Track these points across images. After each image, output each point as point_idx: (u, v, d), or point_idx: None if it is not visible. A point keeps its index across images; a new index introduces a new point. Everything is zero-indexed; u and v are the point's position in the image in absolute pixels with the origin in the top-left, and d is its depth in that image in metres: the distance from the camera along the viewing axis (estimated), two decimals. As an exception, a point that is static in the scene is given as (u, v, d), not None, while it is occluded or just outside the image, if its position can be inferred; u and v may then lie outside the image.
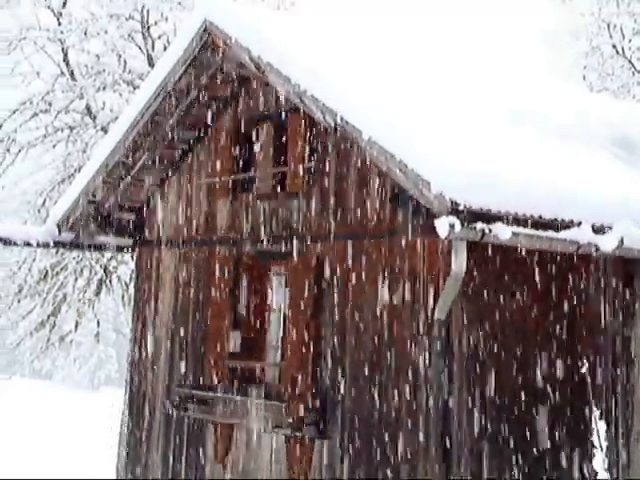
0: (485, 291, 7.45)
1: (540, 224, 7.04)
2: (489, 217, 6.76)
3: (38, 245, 11.04)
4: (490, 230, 6.65)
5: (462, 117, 8.46)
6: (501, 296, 7.54)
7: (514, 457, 7.51)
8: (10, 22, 16.95)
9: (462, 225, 6.55)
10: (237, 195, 9.78)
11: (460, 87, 9.67)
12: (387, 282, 7.88)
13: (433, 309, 7.34)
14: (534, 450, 7.60)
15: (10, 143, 17.10)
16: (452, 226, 6.50)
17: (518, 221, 6.90)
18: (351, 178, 8.36)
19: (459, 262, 6.80)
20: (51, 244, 10.99)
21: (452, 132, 7.80)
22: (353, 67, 8.85)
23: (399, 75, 9.36)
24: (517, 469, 7.51)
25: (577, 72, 19.99)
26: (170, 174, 10.74)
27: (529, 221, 6.99)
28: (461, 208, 6.64)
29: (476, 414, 7.33)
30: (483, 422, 7.36)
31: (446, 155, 7.12)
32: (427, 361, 7.43)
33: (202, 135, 10.37)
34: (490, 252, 7.31)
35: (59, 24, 17.13)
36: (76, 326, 18.14)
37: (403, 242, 7.75)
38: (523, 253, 7.47)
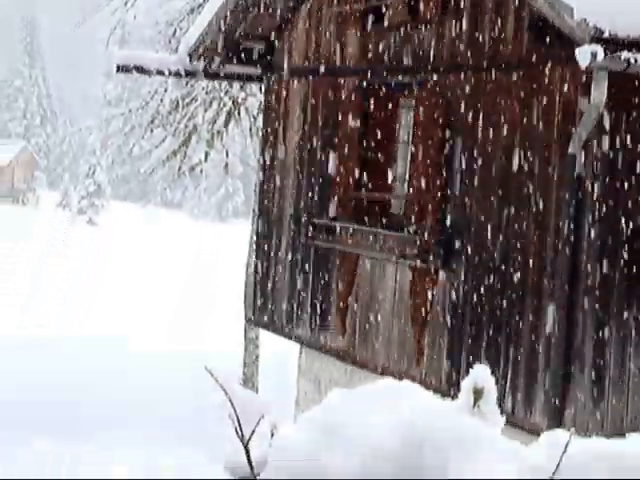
0: (625, 127, 7.13)
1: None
2: (636, 45, 6.38)
3: (170, 73, 11.13)
4: (636, 60, 6.29)
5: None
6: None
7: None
8: None
9: (605, 54, 6.21)
10: (367, 24, 9.53)
11: None
12: (521, 114, 7.64)
13: (567, 143, 7.11)
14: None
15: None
16: (594, 55, 6.17)
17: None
18: (486, 5, 7.99)
19: (599, 94, 6.50)
20: (182, 73, 11.07)
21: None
22: None
23: None
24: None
25: None
26: (301, 2, 10.53)
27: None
28: (605, 36, 6.28)
29: (607, 251, 7.19)
30: (614, 265, 7.21)
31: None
32: (557, 196, 7.26)
33: (333, -40, 10.05)
34: (634, 85, 6.94)
35: None
36: (206, 156, 18.55)
37: (541, 73, 7.43)
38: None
